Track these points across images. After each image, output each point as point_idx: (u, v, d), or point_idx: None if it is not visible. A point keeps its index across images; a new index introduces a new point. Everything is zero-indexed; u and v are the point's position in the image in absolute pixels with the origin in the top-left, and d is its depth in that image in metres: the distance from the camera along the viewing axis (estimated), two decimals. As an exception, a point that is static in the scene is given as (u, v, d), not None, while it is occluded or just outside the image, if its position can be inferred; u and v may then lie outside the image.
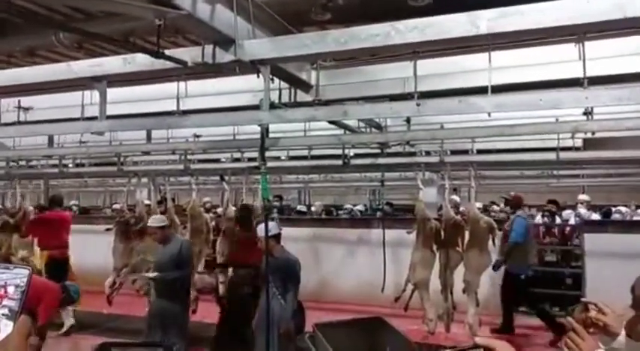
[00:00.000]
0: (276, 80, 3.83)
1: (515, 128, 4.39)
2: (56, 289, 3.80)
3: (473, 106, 2.64)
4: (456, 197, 8.78)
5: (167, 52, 2.99)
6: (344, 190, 16.63)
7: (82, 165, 9.16)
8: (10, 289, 1.01)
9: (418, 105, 2.72)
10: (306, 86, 3.95)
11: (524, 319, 6.86)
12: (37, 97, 5.72)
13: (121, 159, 8.05)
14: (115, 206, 11.67)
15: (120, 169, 7.83)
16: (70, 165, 9.17)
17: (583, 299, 1.88)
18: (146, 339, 4.91)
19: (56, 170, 8.34)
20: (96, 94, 4.35)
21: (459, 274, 5.56)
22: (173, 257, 4.91)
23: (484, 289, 5.72)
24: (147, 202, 10.27)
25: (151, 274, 5.02)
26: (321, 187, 15.28)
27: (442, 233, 5.66)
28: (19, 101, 5.80)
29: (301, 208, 12.08)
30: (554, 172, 9.94)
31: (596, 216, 8.23)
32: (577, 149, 6.36)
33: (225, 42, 2.82)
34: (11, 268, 1.04)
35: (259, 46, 2.79)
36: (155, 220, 5.05)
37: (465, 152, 6.82)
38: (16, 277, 1.02)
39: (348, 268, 8.50)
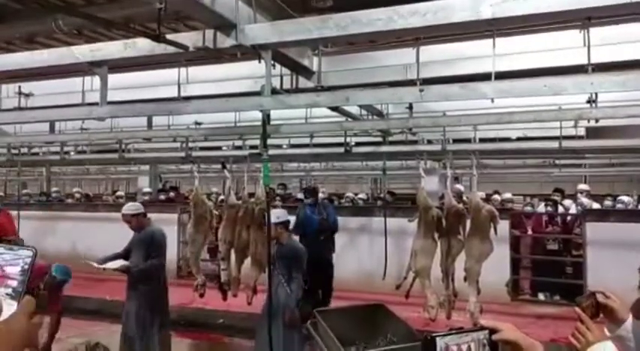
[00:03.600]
0: (278, 67, 3.80)
1: (516, 115, 4.37)
2: (39, 267, 3.77)
3: (476, 92, 2.62)
4: (460, 186, 8.77)
5: (168, 36, 2.96)
6: (346, 179, 16.64)
7: (84, 152, 9.17)
8: (14, 270, 1.01)
9: (421, 91, 2.70)
10: (307, 73, 3.92)
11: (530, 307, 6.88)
12: (37, 83, 5.71)
13: (123, 146, 8.05)
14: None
15: (121, 157, 7.83)
16: (72, 152, 9.19)
17: (590, 289, 1.88)
18: (123, 329, 4.85)
19: (57, 157, 8.34)
20: (96, 80, 4.33)
21: (460, 261, 5.57)
22: (145, 246, 4.80)
23: (485, 276, 5.73)
24: (146, 189, 10.29)
25: (115, 265, 4.80)
26: (323, 176, 15.28)
27: (444, 221, 5.65)
28: (19, 87, 5.79)
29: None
30: (556, 162, 9.91)
31: (597, 205, 8.21)
32: (580, 138, 6.34)
33: (227, 26, 2.80)
34: (15, 249, 1.05)
35: (261, 30, 2.76)
36: (129, 208, 4.95)
37: (468, 141, 6.79)
38: (19, 258, 1.02)
39: (349, 256, 8.53)
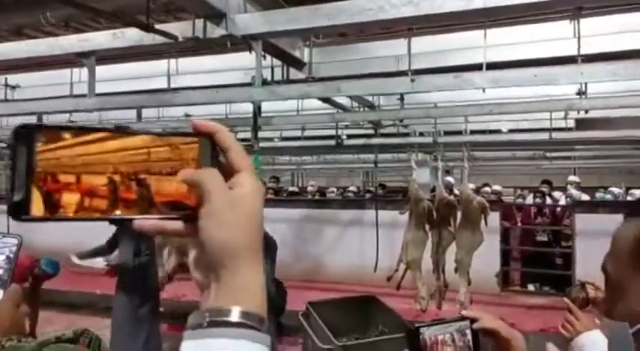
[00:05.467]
0: (269, 58, 3.78)
1: (507, 106, 4.38)
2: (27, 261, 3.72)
3: (467, 82, 2.62)
4: (450, 178, 8.81)
5: (157, 27, 2.93)
6: (337, 172, 16.65)
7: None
8: (0, 258, 1.00)
9: (413, 81, 2.70)
10: (298, 64, 3.90)
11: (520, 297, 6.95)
12: (24, 74, 5.62)
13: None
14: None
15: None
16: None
17: (580, 280, 1.89)
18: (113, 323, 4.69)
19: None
20: (84, 71, 4.27)
21: (450, 253, 5.61)
22: (136, 241, 4.70)
23: (476, 268, 5.77)
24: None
25: (99, 265, 4.62)
26: (315, 169, 15.27)
27: (435, 213, 5.68)
28: (5, 79, 5.70)
29: (293, 189, 12.09)
30: (547, 154, 9.98)
31: (586, 197, 8.31)
32: (569, 130, 6.39)
33: (216, 16, 2.76)
34: (0, 237, 1.03)
35: (251, 20, 2.74)
36: None
37: (459, 133, 6.82)
38: (5, 246, 1.00)
39: (341, 249, 8.55)
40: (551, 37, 3.45)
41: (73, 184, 0.52)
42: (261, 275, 0.54)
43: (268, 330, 0.52)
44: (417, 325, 1.09)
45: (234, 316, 0.50)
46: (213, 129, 0.55)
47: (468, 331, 1.08)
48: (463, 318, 1.12)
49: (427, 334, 1.05)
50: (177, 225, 0.54)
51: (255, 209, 0.53)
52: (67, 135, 0.51)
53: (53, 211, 0.51)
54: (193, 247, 0.54)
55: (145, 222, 0.53)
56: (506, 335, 1.04)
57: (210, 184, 0.52)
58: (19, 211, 0.49)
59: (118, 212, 0.53)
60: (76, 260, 4.74)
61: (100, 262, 4.72)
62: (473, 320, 1.09)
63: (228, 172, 0.54)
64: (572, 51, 3.28)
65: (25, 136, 0.50)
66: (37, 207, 0.50)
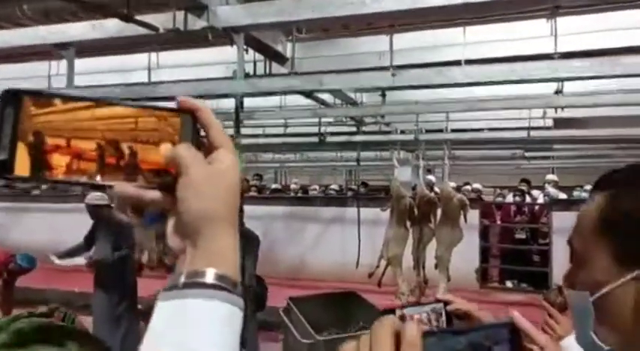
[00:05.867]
0: (251, 53, 3.76)
1: (486, 103, 4.46)
2: (2, 256, 3.68)
3: (447, 77, 2.65)
4: (431, 177, 8.91)
5: (137, 17, 2.89)
6: (320, 171, 16.67)
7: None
8: None
9: (394, 75, 2.72)
10: (281, 59, 3.89)
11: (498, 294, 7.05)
12: (0, 66, 5.50)
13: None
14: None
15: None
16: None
17: (557, 284, 1.92)
18: (93, 321, 4.67)
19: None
20: (63, 64, 4.20)
21: (431, 250, 5.68)
22: (113, 237, 4.64)
23: (455, 264, 5.85)
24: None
25: (80, 261, 4.58)
26: (297, 167, 15.27)
27: (416, 210, 5.75)
28: (-19, 71, 5.56)
29: (276, 186, 12.08)
30: (525, 154, 10.17)
31: (564, 195, 8.48)
32: (548, 129, 6.51)
33: (198, 8, 2.75)
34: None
35: (232, 12, 2.73)
36: (94, 198, 4.69)
37: (440, 131, 6.89)
38: None
39: (323, 246, 8.57)
40: (529, 35, 3.52)
41: (60, 147, 0.53)
42: (236, 244, 0.55)
43: (242, 294, 0.53)
44: (392, 308, 1.17)
45: (209, 277, 0.51)
46: (196, 106, 0.57)
47: (443, 312, 1.12)
48: (438, 301, 1.16)
49: (404, 312, 1.07)
50: (156, 195, 0.55)
51: (234, 183, 0.55)
52: (57, 101, 0.53)
53: (38, 172, 0.52)
54: (171, 216, 0.55)
55: (127, 188, 0.54)
56: (478, 315, 1.08)
57: (185, 157, 0.54)
58: (3, 170, 0.50)
59: (99, 178, 0.54)
60: (56, 260, 4.69)
61: (80, 260, 4.68)
62: (447, 303, 1.14)
63: (208, 150, 0.56)
64: (549, 49, 3.35)
65: (13, 98, 0.51)
66: (22, 167, 0.51)
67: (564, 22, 3.35)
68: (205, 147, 0.57)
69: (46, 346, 0.73)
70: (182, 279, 0.51)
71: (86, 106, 0.54)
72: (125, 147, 0.55)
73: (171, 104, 0.58)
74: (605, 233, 0.68)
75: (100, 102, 0.55)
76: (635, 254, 0.65)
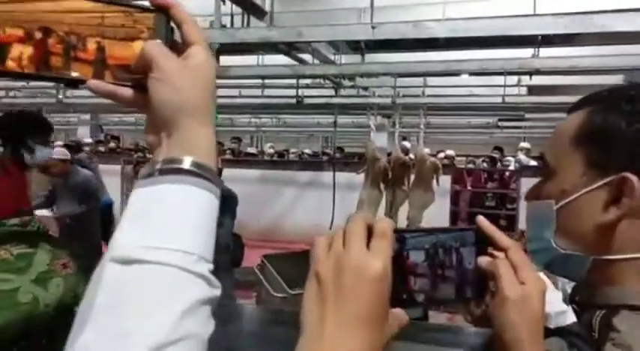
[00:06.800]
0: (228, 4, 3.67)
1: (464, 63, 4.49)
2: None
3: (427, 31, 2.65)
4: (406, 143, 9.01)
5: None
6: (296, 137, 16.63)
7: (14, 97, 8.59)
8: None
9: (374, 28, 2.71)
10: (260, 12, 3.80)
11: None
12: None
13: (60, 91, 7.59)
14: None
15: (59, 101, 7.40)
16: (3, 98, 8.60)
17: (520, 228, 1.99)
18: None
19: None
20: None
21: (403, 212, 5.80)
22: (79, 193, 4.52)
23: (426, 225, 5.99)
24: (87, 140, 9.90)
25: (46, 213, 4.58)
26: (274, 132, 15.19)
27: (390, 173, 5.84)
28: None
29: (252, 150, 12.02)
30: (499, 123, 10.33)
31: (534, 163, 8.68)
32: (522, 96, 6.62)
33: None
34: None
35: (210, -44, 2.64)
36: (57, 153, 4.67)
37: (417, 97, 6.93)
38: None
39: (299, 209, 8.65)
40: (511, 13, 3.50)
41: (25, 38, 0.51)
42: (212, 135, 0.55)
43: (219, 183, 0.53)
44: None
45: (186, 164, 0.50)
46: (170, 3, 0.56)
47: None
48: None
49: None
50: (128, 92, 0.54)
51: (209, 78, 0.54)
52: None
53: (2, 63, 0.50)
54: (146, 114, 0.55)
55: (100, 83, 0.53)
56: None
57: (156, 53, 0.52)
58: None
59: (74, 73, 0.53)
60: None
61: (46, 212, 4.59)
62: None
63: (181, 49, 0.55)
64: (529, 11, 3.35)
65: None
66: None
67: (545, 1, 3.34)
68: (179, 48, 0.55)
69: (20, 246, 0.73)
70: (158, 165, 0.50)
71: None
72: (93, 41, 0.53)
73: (145, 2, 0.57)
74: (581, 143, 0.68)
75: None
76: (608, 162, 0.66)
